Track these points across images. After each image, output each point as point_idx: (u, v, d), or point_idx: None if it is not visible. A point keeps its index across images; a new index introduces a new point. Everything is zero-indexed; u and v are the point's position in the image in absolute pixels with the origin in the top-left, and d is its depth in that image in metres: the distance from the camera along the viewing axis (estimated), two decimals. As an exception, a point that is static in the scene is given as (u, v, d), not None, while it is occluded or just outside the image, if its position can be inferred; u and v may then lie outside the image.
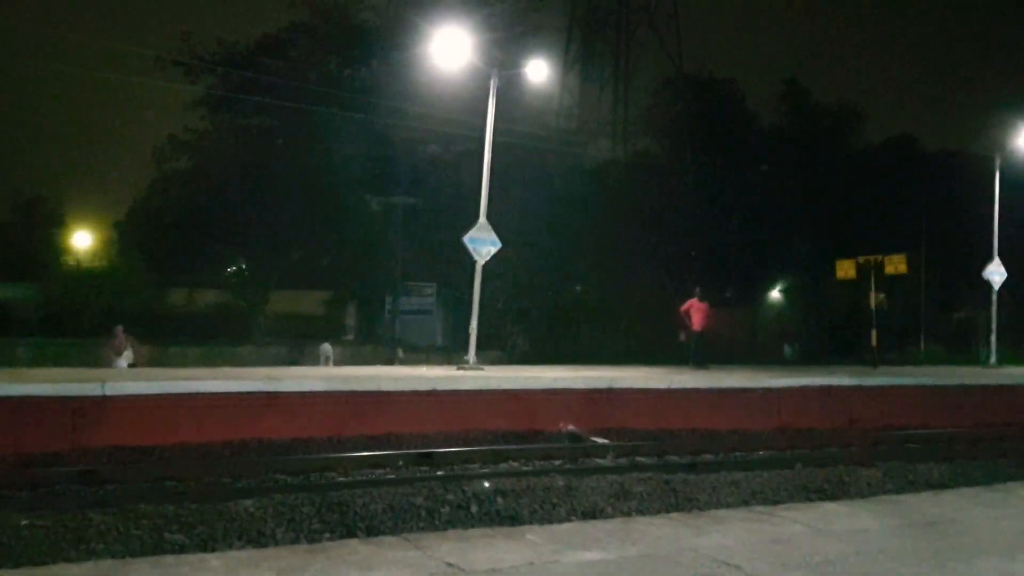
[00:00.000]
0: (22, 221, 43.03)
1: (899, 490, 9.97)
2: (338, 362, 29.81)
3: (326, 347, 27.49)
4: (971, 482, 10.41)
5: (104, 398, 12.24)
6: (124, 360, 19.04)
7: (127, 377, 14.09)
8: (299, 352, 30.27)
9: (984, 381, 20.70)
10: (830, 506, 7.62)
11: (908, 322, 38.35)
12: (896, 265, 24.84)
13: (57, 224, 40.00)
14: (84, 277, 33.03)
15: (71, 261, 34.95)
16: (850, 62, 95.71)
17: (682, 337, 20.97)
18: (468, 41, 19.94)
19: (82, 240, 37.15)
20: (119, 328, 19.52)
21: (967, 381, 20.33)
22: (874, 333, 24.54)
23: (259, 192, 31.50)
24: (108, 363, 19.23)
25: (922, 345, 39.18)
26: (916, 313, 38.79)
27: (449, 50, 19.67)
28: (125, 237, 36.59)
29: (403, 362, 28.77)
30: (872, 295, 24.74)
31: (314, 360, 28.78)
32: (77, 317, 30.37)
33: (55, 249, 36.27)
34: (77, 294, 31.52)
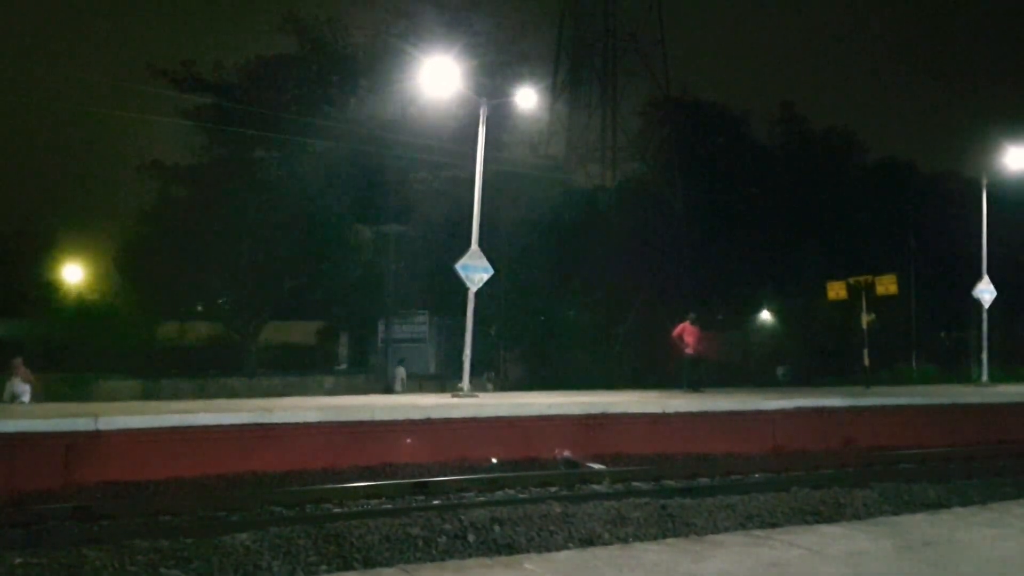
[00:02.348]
0: (11, 257, 42.87)
1: (895, 511, 9.97)
2: (329, 392, 29.80)
3: (400, 369, 28.13)
4: (967, 502, 10.41)
5: (97, 433, 12.17)
6: (23, 391, 18.43)
7: (120, 411, 14.01)
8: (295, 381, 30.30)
9: (977, 399, 20.75)
10: (827, 528, 7.61)
11: (900, 341, 38.46)
12: (886, 285, 24.93)
13: (48, 259, 39.89)
14: (76, 312, 32.92)
15: (63, 296, 34.84)
16: (842, 84, 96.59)
17: (688, 350, 20.94)
18: (457, 70, 20.09)
19: (73, 274, 37.05)
20: (19, 360, 18.94)
21: (960, 400, 20.37)
22: (866, 353, 24.60)
23: (250, 222, 31.54)
24: (10, 397, 18.58)
25: (914, 364, 39.26)
26: (907, 332, 38.90)
27: (438, 79, 19.81)
28: (118, 269, 36.53)
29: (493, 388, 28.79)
30: (863, 316, 24.82)
31: (303, 390, 28.76)
32: (69, 352, 30.23)
33: (46, 285, 36.17)
34: (69, 329, 31.40)
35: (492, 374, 31.68)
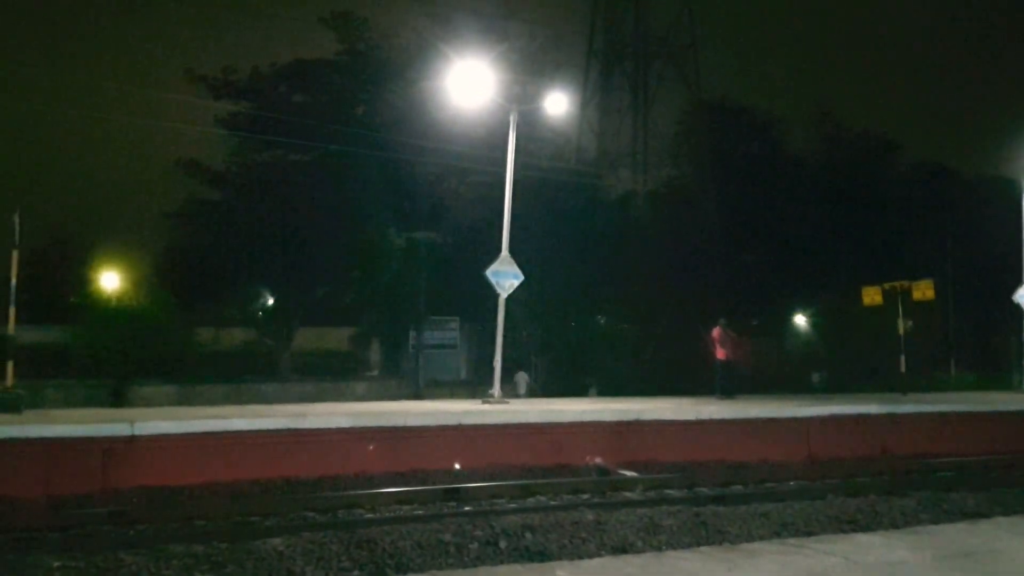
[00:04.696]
0: (50, 263, 43.52)
1: (934, 520, 9.82)
2: (361, 397, 29.92)
3: (522, 374, 28.71)
4: (1008, 511, 10.23)
5: (133, 438, 12.31)
6: None
7: (156, 416, 14.17)
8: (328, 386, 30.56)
9: (1017, 407, 20.35)
10: (863, 537, 7.49)
11: (937, 347, 37.89)
12: (923, 291, 24.56)
13: (86, 265, 40.44)
14: (113, 318, 33.34)
15: (101, 302, 35.26)
16: (879, 86, 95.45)
17: (720, 355, 20.85)
18: (488, 77, 20.12)
19: (110, 281, 37.52)
20: None
21: (999, 407, 20.01)
22: (903, 359, 24.26)
23: (285, 228, 31.81)
24: None
25: (952, 370, 38.66)
26: (945, 338, 38.33)
27: (469, 86, 19.84)
28: (154, 276, 36.95)
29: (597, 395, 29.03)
30: (900, 321, 24.49)
31: (335, 396, 28.96)
32: (107, 358, 30.61)
33: (84, 291, 36.64)
34: (107, 335, 31.78)
35: (594, 385, 31.40)
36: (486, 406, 16.98)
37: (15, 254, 15.55)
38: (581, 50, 56.45)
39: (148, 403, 26.08)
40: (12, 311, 15.55)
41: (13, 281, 15.59)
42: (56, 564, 7.69)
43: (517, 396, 28.23)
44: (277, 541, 8.43)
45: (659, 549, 8.27)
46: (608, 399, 20.01)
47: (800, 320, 40.42)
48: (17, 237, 15.80)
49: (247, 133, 32.12)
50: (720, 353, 20.89)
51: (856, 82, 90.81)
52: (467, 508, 11.14)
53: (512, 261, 19.03)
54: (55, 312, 35.70)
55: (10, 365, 15.02)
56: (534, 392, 29.59)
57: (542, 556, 8.06)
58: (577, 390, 28.29)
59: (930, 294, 24.74)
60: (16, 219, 15.94)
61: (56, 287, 39.51)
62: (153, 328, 31.63)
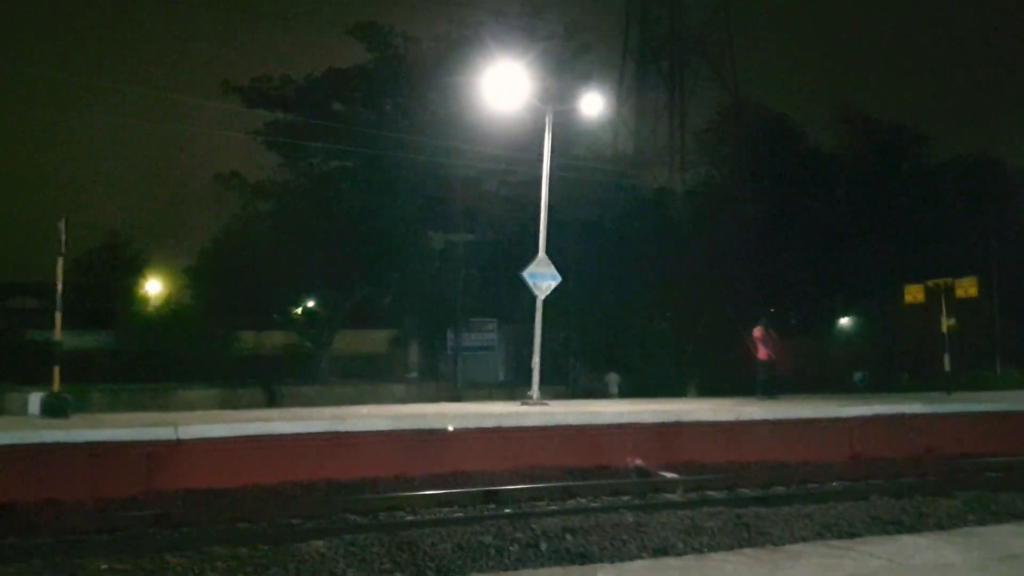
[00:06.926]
0: (95, 270, 44.26)
1: (981, 521, 9.65)
2: (400, 400, 30.10)
3: (613, 375, 29.24)
4: (1058, 512, 10.02)
5: (178, 442, 12.47)
6: None
7: (199, 420, 14.34)
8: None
9: (1066, 405, 19.90)
10: (909, 539, 7.39)
11: (982, 345, 37.24)
12: (966, 288, 24.19)
13: (132, 272, 41.10)
14: (157, 323, 33.90)
15: (145, 309, 35.87)
16: (917, 81, 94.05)
17: (761, 356, 20.72)
18: (524, 78, 20.15)
19: (153, 288, 38.14)
20: None
21: (1048, 405, 19.58)
22: (947, 358, 23.90)
23: (326, 233, 32.09)
24: None
25: (998, 369, 37.98)
26: (990, 336, 37.67)
27: (505, 88, 19.88)
28: (197, 282, 37.48)
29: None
30: (944, 320, 24.12)
31: (375, 399, 29.19)
32: (150, 363, 31.11)
33: (130, 297, 37.28)
34: (151, 340, 32.30)
35: (694, 384, 31.47)
36: (525, 408, 16.98)
37: (60, 261, 15.79)
38: (616, 49, 56.36)
39: (192, 407, 26.45)
40: (58, 317, 15.80)
41: (59, 288, 15.85)
42: (104, 566, 7.82)
43: (608, 396, 28.55)
44: (319, 543, 8.50)
45: (700, 551, 8.21)
46: (642, 400, 19.90)
47: (842, 319, 39.97)
48: (62, 245, 16.06)
49: (285, 139, 32.45)
50: (762, 353, 20.73)
51: (892, 76, 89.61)
52: (507, 510, 11.14)
53: (549, 262, 19.02)
54: (101, 318, 36.34)
55: (56, 370, 15.27)
56: (623, 392, 29.77)
57: (583, 558, 8.04)
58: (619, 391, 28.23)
59: (973, 291, 24.37)
60: (61, 227, 16.21)
61: (101, 294, 40.19)
62: (193, 333, 32.11)
